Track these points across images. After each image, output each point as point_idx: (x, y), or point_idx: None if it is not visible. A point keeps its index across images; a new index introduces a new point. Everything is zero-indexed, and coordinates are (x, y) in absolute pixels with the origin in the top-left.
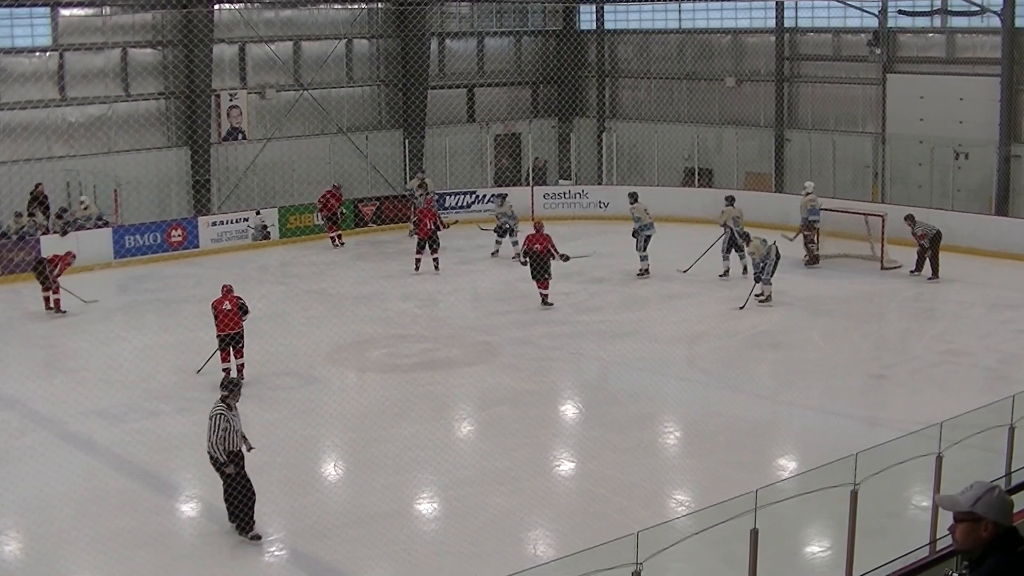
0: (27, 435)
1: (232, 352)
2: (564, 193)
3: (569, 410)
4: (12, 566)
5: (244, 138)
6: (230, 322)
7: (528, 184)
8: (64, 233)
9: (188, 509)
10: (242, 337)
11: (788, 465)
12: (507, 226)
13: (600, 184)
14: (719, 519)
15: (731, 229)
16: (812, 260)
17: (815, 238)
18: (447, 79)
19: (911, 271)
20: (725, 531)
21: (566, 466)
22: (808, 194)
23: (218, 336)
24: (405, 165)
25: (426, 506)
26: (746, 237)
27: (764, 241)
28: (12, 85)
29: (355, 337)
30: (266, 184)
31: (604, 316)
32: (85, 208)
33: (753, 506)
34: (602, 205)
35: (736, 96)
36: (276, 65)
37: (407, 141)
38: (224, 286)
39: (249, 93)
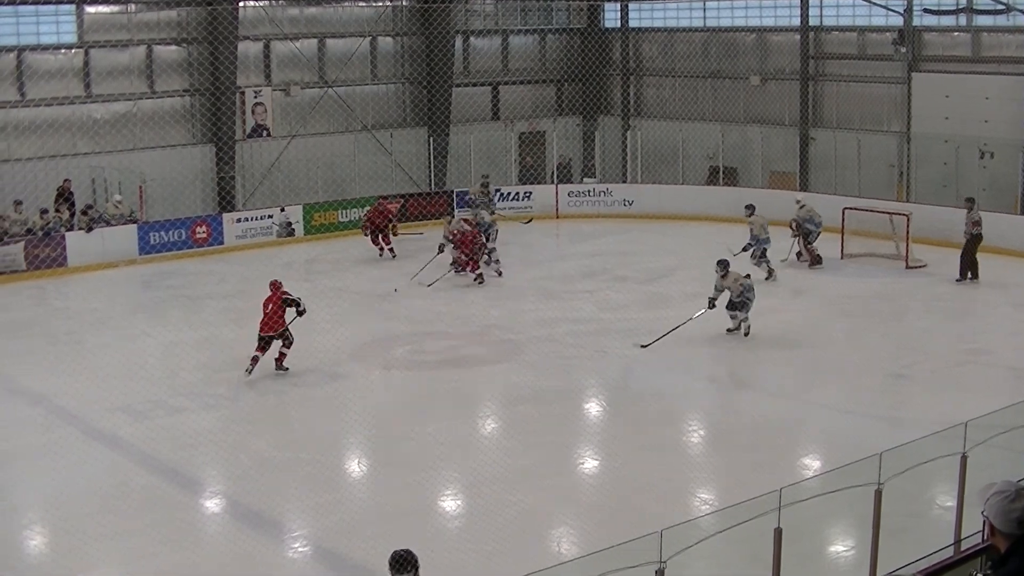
0: (52, 431)
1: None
2: (589, 191)
3: (593, 408)
4: (37, 560)
5: (269, 135)
6: (269, 323)
7: (553, 182)
8: (89, 230)
9: (212, 505)
10: (283, 337)
11: (812, 464)
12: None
13: (625, 182)
14: (743, 518)
15: (756, 239)
16: (815, 261)
17: (812, 240)
18: (472, 77)
19: (967, 277)
20: (749, 530)
21: (590, 464)
22: (803, 206)
23: (259, 333)
24: (430, 163)
25: (449, 503)
26: (724, 266)
27: (747, 277)
28: (38, 82)
29: (379, 334)
30: (291, 181)
31: (628, 314)
32: (118, 205)
33: (777, 505)
34: (626, 203)
35: (761, 95)
36: (301, 62)
37: (431, 139)
38: (271, 283)
39: (274, 90)
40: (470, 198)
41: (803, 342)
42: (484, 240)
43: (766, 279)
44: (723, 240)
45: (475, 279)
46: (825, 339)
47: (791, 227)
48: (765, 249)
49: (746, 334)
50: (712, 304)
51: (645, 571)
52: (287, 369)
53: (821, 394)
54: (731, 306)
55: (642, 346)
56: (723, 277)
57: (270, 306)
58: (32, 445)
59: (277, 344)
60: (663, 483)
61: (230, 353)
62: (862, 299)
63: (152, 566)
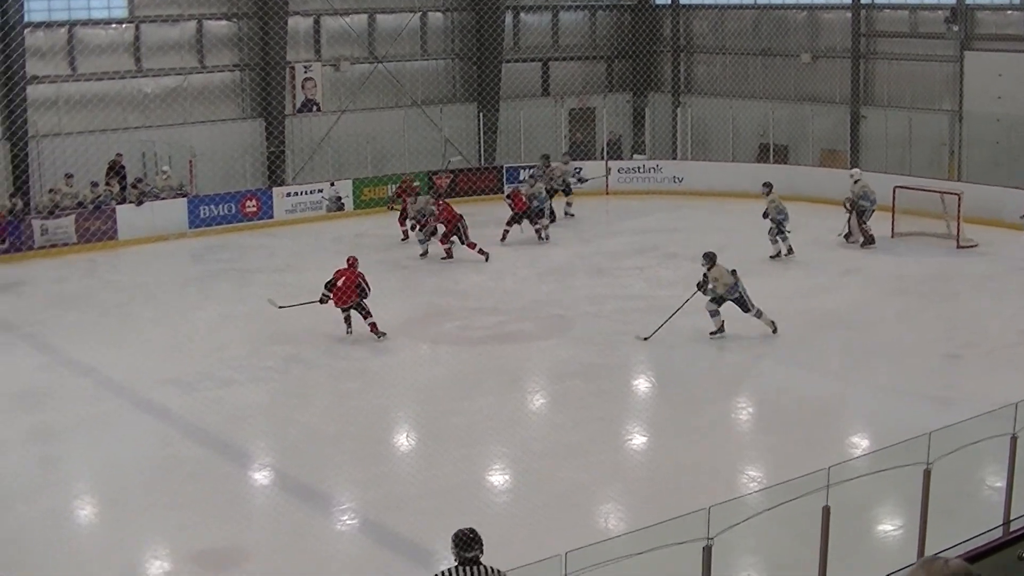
0: (102, 403)
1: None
2: (638, 168)
3: (641, 384)
4: (87, 531)
5: (318, 110)
6: (341, 297)
7: (603, 158)
8: (140, 203)
9: (260, 477)
10: (360, 308)
11: (860, 443)
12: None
13: (675, 159)
14: (791, 496)
15: (772, 219)
16: (868, 240)
17: (867, 219)
18: (521, 52)
19: None
20: (797, 508)
21: (638, 440)
22: (857, 180)
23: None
24: (479, 138)
25: (497, 478)
26: (710, 258)
27: (733, 273)
28: (89, 56)
29: (428, 309)
30: (340, 156)
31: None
32: (166, 178)
33: (825, 483)
34: (676, 180)
35: (812, 72)
36: (351, 37)
37: (481, 114)
38: (349, 259)
39: (324, 65)
40: (535, 173)
41: (854, 321)
42: (538, 212)
43: (785, 255)
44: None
45: (444, 255)
46: (876, 318)
47: (845, 205)
48: (782, 225)
49: (715, 332)
50: (700, 286)
51: (692, 548)
52: (384, 334)
53: (872, 374)
54: (716, 300)
55: (643, 339)
56: (709, 270)
57: (342, 280)
58: (82, 416)
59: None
60: (711, 460)
61: (279, 326)
62: (914, 279)
63: (201, 537)
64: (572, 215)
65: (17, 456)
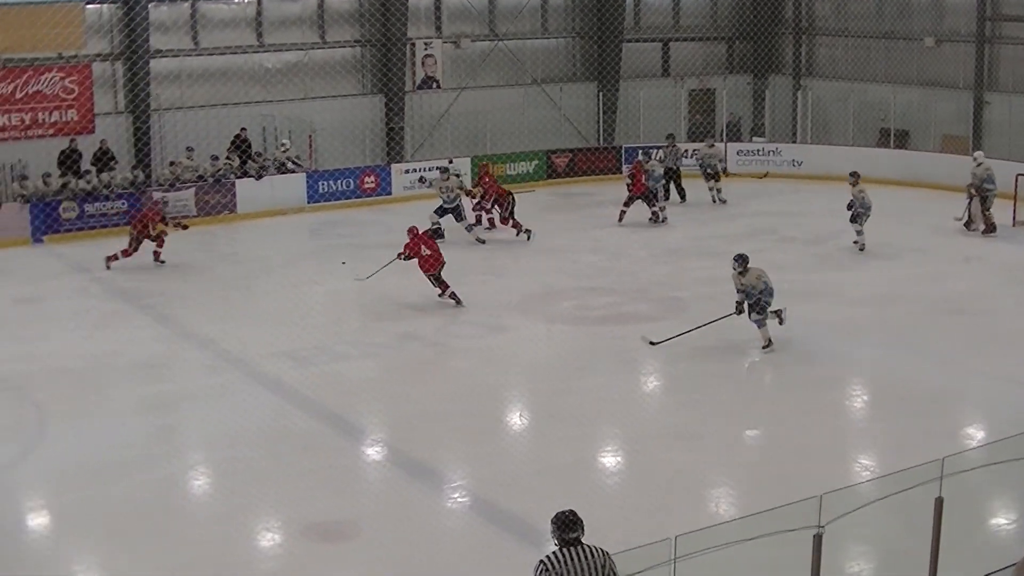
0: (218, 374)
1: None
2: (758, 150)
3: (755, 369)
4: (201, 499)
5: (438, 87)
6: (427, 265)
7: (722, 140)
8: (259, 177)
9: (372, 452)
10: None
11: (976, 434)
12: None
13: (794, 142)
14: (903, 486)
15: (855, 211)
16: (990, 228)
17: (990, 204)
18: (642, 32)
19: None
20: (909, 498)
21: (750, 425)
22: (980, 163)
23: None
24: (599, 118)
25: (609, 459)
26: (741, 260)
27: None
28: (212, 31)
29: (543, 288)
30: (459, 133)
31: (794, 275)
32: (285, 151)
33: (939, 474)
34: (795, 163)
35: (935, 56)
36: (471, 15)
37: (601, 94)
38: (410, 229)
39: (444, 42)
40: (662, 154)
41: (973, 309)
42: (654, 194)
43: (859, 248)
44: (895, 202)
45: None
46: (995, 307)
47: (969, 191)
48: (859, 218)
49: (765, 346)
50: (739, 309)
51: (803, 535)
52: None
53: (989, 363)
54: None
55: (651, 343)
56: (741, 275)
57: (425, 250)
58: (198, 387)
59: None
60: (824, 447)
61: (394, 302)
62: None
63: (312, 509)
64: (724, 201)
65: (135, 426)
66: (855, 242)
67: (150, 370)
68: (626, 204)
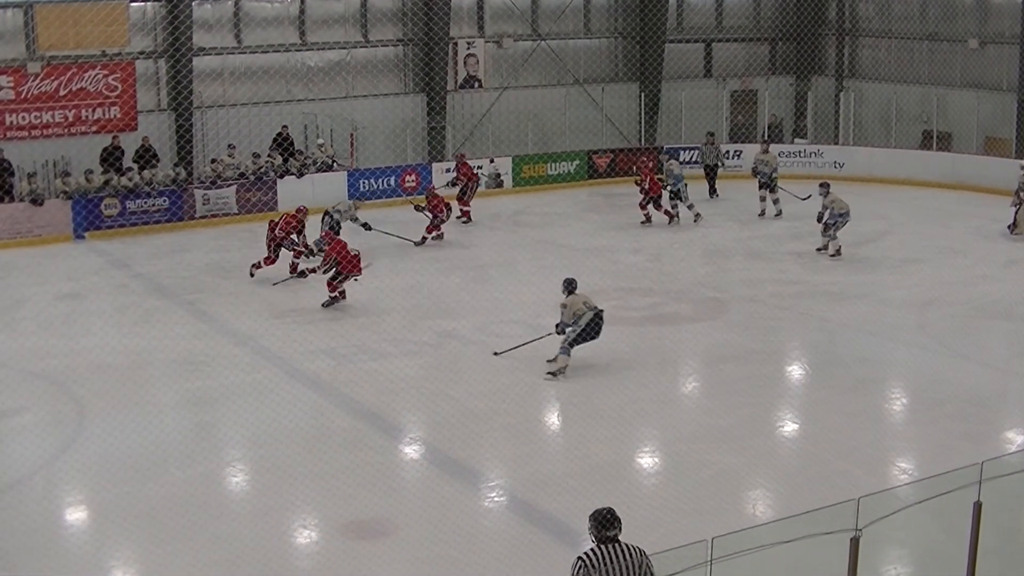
0: (257, 371)
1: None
2: (800, 152)
3: (795, 371)
4: (239, 496)
5: (480, 86)
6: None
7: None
8: (300, 175)
9: (411, 451)
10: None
11: (1016, 439)
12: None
13: (836, 144)
14: (942, 490)
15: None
16: None
17: None
18: (684, 33)
19: None
20: (948, 502)
21: (789, 427)
22: None
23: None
24: (640, 118)
25: (647, 460)
26: (569, 286)
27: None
28: (255, 29)
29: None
30: (500, 133)
31: (835, 277)
32: (321, 148)
33: (978, 478)
34: (837, 165)
35: (979, 58)
36: (514, 14)
37: (643, 94)
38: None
39: (486, 42)
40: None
41: (1015, 313)
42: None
43: (831, 255)
44: (937, 204)
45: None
46: None
47: (1018, 195)
48: (840, 224)
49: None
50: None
51: (840, 538)
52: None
53: None
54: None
55: (496, 354)
56: (567, 297)
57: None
58: (237, 384)
59: None
60: (862, 450)
61: (435, 301)
62: None
63: (350, 507)
64: (780, 213)
65: (173, 421)
66: (820, 248)
67: (189, 367)
68: (643, 205)
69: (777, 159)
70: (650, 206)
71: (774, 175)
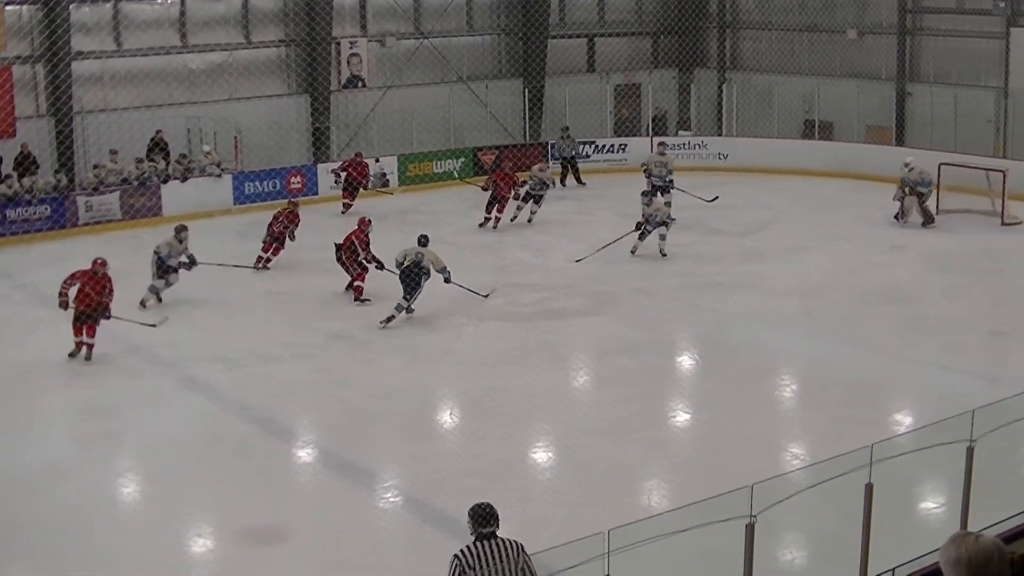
0: (147, 379)
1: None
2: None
3: (686, 361)
4: (132, 507)
5: (364, 86)
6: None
7: (648, 135)
8: (184, 179)
9: (304, 455)
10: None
11: (904, 420)
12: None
13: (720, 135)
14: (834, 473)
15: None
16: (928, 220)
17: (925, 200)
18: (567, 28)
19: None
20: (840, 485)
21: (682, 417)
22: (911, 168)
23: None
24: (524, 114)
25: (541, 455)
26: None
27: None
28: (135, 32)
29: (472, 286)
30: (385, 132)
31: (722, 268)
32: (207, 155)
33: (868, 461)
34: (721, 156)
35: (858, 48)
36: (397, 13)
37: (527, 90)
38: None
39: (369, 41)
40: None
41: (900, 298)
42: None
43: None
44: (821, 192)
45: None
46: (923, 295)
47: (903, 191)
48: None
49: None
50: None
51: (735, 525)
52: None
53: (917, 350)
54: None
55: (486, 296)
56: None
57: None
58: (127, 392)
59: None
60: (754, 437)
61: (322, 304)
62: (960, 255)
63: (244, 514)
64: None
65: (63, 434)
66: (632, 250)
67: (76, 377)
68: (490, 207)
69: (674, 161)
70: (494, 209)
71: (669, 178)
